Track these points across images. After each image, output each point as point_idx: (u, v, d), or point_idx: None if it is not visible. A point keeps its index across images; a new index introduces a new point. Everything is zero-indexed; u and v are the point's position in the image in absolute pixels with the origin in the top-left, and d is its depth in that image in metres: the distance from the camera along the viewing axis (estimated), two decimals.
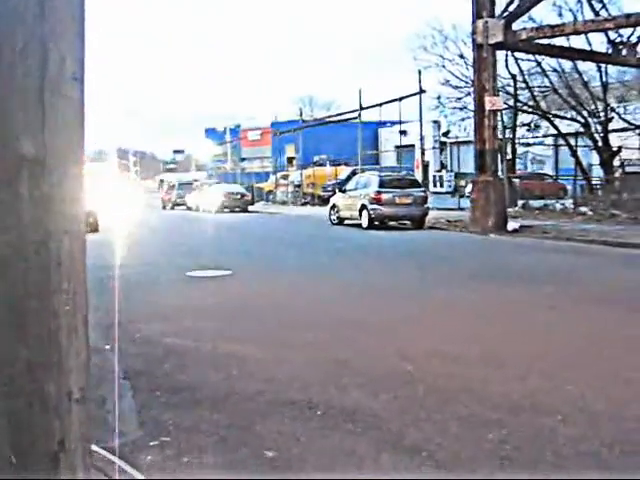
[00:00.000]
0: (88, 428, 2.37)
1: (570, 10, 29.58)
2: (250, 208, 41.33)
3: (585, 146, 35.17)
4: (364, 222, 24.76)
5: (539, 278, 12.21)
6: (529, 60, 32.98)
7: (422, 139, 39.91)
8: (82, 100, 2.35)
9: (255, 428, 4.93)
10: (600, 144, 32.58)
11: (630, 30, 25.51)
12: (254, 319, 8.85)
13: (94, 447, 4.15)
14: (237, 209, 39.97)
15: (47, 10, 2.23)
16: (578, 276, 12.57)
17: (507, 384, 5.86)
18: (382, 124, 55.01)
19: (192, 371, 6.46)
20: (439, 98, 38.03)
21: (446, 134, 50.95)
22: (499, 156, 26.88)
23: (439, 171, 54.58)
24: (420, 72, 37.63)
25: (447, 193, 47.10)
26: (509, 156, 35.75)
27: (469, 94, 32.46)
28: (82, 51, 2.34)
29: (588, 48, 28.05)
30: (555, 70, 33.15)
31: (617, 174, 33.08)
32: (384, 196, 24.46)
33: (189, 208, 45.41)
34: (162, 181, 62.77)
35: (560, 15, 29.43)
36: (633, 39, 26.08)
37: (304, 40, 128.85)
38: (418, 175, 36.67)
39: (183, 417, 5.18)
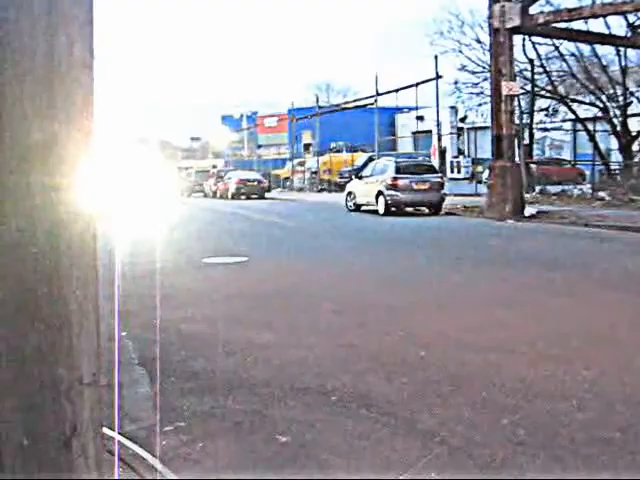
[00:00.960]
0: (100, 412, 2.39)
1: None
2: (267, 195, 41.39)
3: (604, 131, 34.97)
4: (380, 208, 24.72)
5: (555, 264, 12.16)
6: (547, 44, 32.77)
7: (439, 125, 39.73)
8: (92, 86, 2.35)
9: (269, 414, 4.95)
10: (619, 129, 32.36)
11: None
12: (269, 305, 8.88)
13: (109, 432, 4.19)
14: (254, 196, 40.02)
15: None
16: (595, 262, 12.51)
17: (521, 369, 5.85)
18: (399, 110, 54.88)
19: (207, 357, 6.49)
20: (456, 83, 37.91)
21: (463, 120, 50.78)
22: (516, 141, 26.75)
23: (456, 157, 54.37)
24: (437, 57, 37.45)
25: (464, 179, 46.94)
26: (526, 141, 35.56)
27: (486, 79, 32.31)
28: (91, 37, 2.34)
29: (607, 32, 27.81)
30: (573, 54, 32.93)
31: (636, 159, 32.83)
32: (400, 182, 24.40)
33: (206, 195, 45.52)
34: (180, 168, 62.89)
35: None
36: None
37: (320, 26, 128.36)
38: (435, 161, 36.52)
39: (198, 403, 5.21)
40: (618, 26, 28.63)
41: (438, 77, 38.22)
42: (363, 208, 26.36)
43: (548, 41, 31.71)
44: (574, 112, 35.23)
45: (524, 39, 31.36)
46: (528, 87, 34.94)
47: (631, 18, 27.15)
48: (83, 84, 2.33)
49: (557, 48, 32.70)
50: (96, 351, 2.37)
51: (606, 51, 32.02)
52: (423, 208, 25.18)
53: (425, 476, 4.01)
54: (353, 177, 29.80)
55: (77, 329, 2.26)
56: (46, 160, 2.22)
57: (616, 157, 34.48)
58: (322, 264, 12.69)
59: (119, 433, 4.41)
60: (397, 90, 42.59)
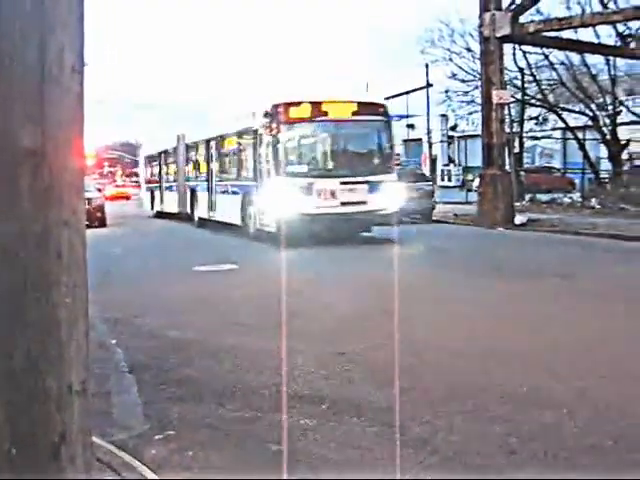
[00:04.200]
0: (89, 421, 2.37)
1: (578, 3, 29.43)
2: None
3: (593, 139, 35.09)
4: None
5: (545, 272, 12.16)
6: (537, 53, 32.89)
7: (429, 133, 39.92)
8: (82, 92, 2.33)
9: (260, 422, 4.92)
10: (608, 137, 32.48)
11: (638, 23, 25.38)
12: (260, 311, 8.84)
13: (100, 441, 4.16)
14: None
15: (46, 1, 2.22)
16: (585, 270, 12.51)
17: (512, 378, 5.83)
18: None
19: (198, 364, 6.46)
20: (447, 92, 37.95)
21: (454, 128, 50.84)
22: (507, 150, 26.83)
23: (447, 165, 54.47)
24: (427, 66, 37.58)
25: (455, 187, 47.02)
26: (517, 150, 35.69)
27: (477, 87, 32.35)
28: (82, 42, 2.33)
29: (596, 41, 27.92)
30: (563, 63, 33.05)
31: (625, 167, 32.99)
32: None
33: None
34: None
35: (568, 8, 29.30)
36: None
37: (312, 35, 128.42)
38: (426, 169, 36.61)
39: (188, 411, 5.18)
40: (607, 36, 28.72)
41: (429, 85, 38.38)
42: None
43: (538, 50, 31.83)
44: (564, 120, 35.39)
45: (514, 48, 31.49)
46: (518, 96, 35.08)
47: (620, 28, 27.27)
48: (73, 90, 2.31)
49: (547, 57, 32.84)
50: (85, 359, 2.35)
51: (595, 60, 32.17)
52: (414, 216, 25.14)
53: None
54: None
55: (66, 337, 2.23)
56: (36, 165, 2.20)
57: (606, 165, 34.62)
58: (308, 273, 12.67)
59: (108, 442, 4.38)
60: (388, 98, 42.66)
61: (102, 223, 24.15)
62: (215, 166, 22.54)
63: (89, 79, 2.46)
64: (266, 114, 17.10)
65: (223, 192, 21.28)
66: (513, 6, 22.96)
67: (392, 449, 4.41)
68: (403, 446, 4.45)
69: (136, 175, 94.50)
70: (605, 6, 27.83)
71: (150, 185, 32.46)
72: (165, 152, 29.43)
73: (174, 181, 27.53)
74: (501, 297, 9.87)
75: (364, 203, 17.04)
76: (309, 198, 16.51)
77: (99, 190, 31.63)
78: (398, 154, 23.01)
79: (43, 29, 2.20)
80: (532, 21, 23.73)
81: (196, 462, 4.25)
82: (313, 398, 5.36)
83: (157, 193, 30.54)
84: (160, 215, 29.58)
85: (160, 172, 30.29)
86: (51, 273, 2.19)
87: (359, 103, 17.92)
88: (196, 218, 24.15)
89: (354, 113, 17.60)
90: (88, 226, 2.38)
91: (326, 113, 17.24)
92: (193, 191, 24.73)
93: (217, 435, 4.71)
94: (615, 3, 27.63)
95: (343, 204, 16.86)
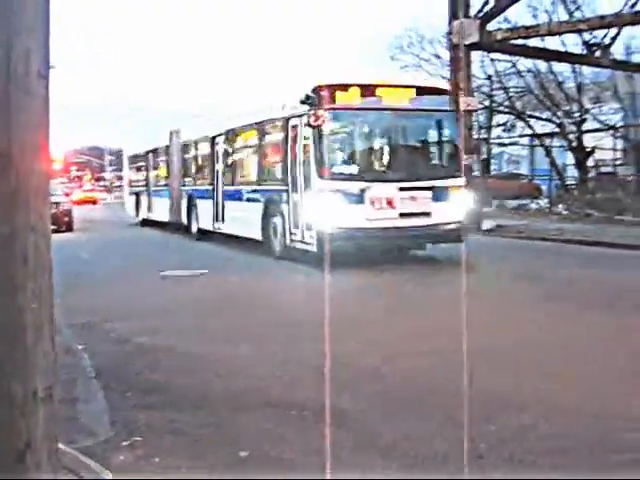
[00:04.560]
0: (55, 427, 2.35)
1: (545, 11, 29.82)
2: None
3: (560, 146, 35.46)
4: None
5: (512, 277, 12.25)
6: (505, 61, 33.23)
7: None
8: (48, 96, 2.33)
9: (229, 428, 4.90)
10: (575, 144, 32.85)
11: (604, 32, 25.72)
12: (228, 318, 8.82)
13: (65, 447, 4.12)
14: None
15: (13, 7, 2.21)
16: (552, 275, 12.62)
17: (483, 382, 5.84)
18: None
19: (166, 370, 6.43)
20: None
21: None
22: (474, 156, 27.01)
23: None
24: (397, 72, 37.72)
25: None
26: (484, 156, 35.96)
27: None
28: (48, 48, 2.32)
29: (563, 49, 28.26)
30: (530, 71, 33.40)
31: (591, 174, 33.41)
32: None
33: None
34: None
35: (535, 16, 29.65)
36: (606, 41, 26.31)
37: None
38: None
39: (156, 417, 5.14)
40: (574, 44, 29.05)
41: None
42: None
43: (506, 57, 32.15)
44: (531, 127, 35.76)
45: (482, 55, 31.77)
46: (486, 102, 35.39)
47: (586, 36, 27.59)
48: (40, 94, 2.30)
49: (514, 65, 33.19)
50: (51, 365, 2.33)
51: (562, 68, 32.52)
52: None
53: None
54: None
55: (32, 342, 2.22)
56: (2, 169, 2.18)
57: (572, 172, 34.99)
58: (280, 277, 12.66)
59: (74, 448, 4.34)
60: None
61: (69, 228, 23.96)
62: (223, 167, 18.85)
63: (56, 82, 2.45)
64: (307, 99, 13.43)
65: (235, 199, 17.63)
66: (481, 14, 23.15)
67: (361, 455, 4.42)
68: (373, 451, 4.46)
69: (104, 179, 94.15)
70: (571, 15, 28.18)
71: (135, 189, 28.58)
72: (154, 151, 25.84)
73: (165, 185, 23.92)
74: (466, 302, 9.89)
75: (428, 215, 13.66)
76: (359, 208, 13.11)
77: (66, 194, 31.42)
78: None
79: (9, 35, 2.19)
80: (500, 29, 23.95)
81: (163, 468, 4.23)
82: (283, 404, 5.36)
83: (143, 198, 26.94)
84: (147, 223, 26.23)
85: (148, 174, 26.69)
86: (17, 277, 2.18)
87: (419, 87, 14.35)
88: (194, 229, 20.69)
89: (414, 100, 14.04)
90: (55, 231, 2.35)
91: (381, 99, 13.67)
92: (191, 197, 21.14)
93: (185, 441, 4.68)
94: (581, 12, 28.04)
95: (402, 215, 13.42)
